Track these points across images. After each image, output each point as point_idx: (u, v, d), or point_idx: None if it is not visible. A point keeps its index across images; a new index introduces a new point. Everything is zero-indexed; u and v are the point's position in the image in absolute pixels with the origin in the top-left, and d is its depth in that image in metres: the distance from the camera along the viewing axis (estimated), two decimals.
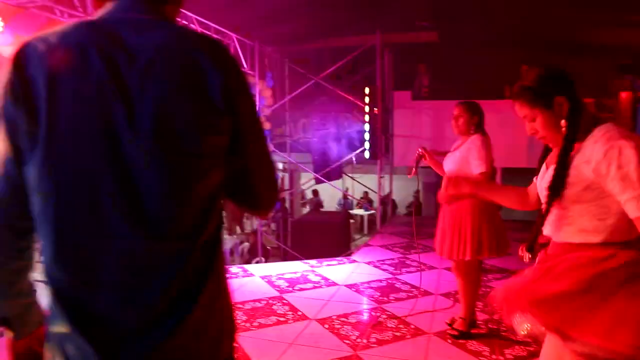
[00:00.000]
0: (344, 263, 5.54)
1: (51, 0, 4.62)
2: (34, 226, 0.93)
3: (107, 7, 0.99)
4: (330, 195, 13.03)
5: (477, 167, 3.06)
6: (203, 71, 0.94)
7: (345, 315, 3.80)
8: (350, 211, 12.30)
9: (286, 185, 12.02)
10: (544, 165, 1.69)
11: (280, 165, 11.15)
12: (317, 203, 12.98)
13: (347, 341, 3.31)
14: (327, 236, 8.17)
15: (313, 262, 5.55)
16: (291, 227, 9.77)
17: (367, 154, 8.42)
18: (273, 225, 11.08)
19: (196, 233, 0.93)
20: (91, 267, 0.89)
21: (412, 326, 3.57)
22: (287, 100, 9.18)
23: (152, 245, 0.90)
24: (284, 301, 4.14)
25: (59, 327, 0.89)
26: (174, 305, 0.91)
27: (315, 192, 12.89)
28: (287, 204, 11.43)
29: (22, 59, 0.91)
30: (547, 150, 1.71)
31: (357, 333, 3.46)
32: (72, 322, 0.87)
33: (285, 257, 8.71)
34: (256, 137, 1.03)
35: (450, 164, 3.27)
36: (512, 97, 1.63)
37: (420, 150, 3.44)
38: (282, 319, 3.74)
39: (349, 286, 4.60)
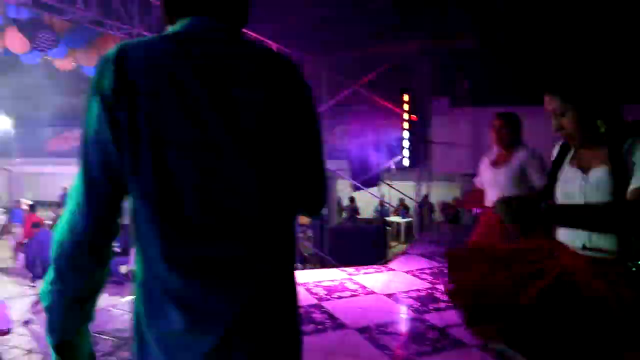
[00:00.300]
0: (381, 271, 5.52)
1: (101, 14, 4.84)
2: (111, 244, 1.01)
3: (185, 23, 1.05)
4: (366, 202, 12.99)
5: (540, 180, 2.84)
6: (286, 83, 1.07)
7: (384, 325, 3.78)
8: (387, 218, 12.23)
9: None
10: (566, 167, 1.60)
11: None
12: (353, 210, 12.96)
13: (387, 351, 3.29)
14: (364, 243, 8.15)
15: (351, 269, 5.55)
16: (328, 234, 9.79)
17: (406, 162, 8.36)
18: (310, 232, 11.13)
19: (280, 232, 1.05)
20: (200, 267, 0.96)
21: (453, 338, 3.52)
22: (325, 107, 9.25)
23: (249, 244, 1.00)
24: (322, 309, 4.16)
25: (169, 326, 0.95)
26: (265, 300, 1.02)
27: (352, 199, 12.88)
28: (324, 211, 11.45)
29: (122, 65, 0.94)
30: (565, 150, 1.60)
31: (396, 343, 3.44)
32: (186, 320, 0.94)
33: (322, 264, 8.74)
34: (318, 144, 1.15)
35: (501, 179, 3.06)
36: (545, 89, 1.57)
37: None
38: (320, 327, 3.76)
39: (388, 295, 4.58)
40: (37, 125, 18.81)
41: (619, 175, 1.41)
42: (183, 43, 1.01)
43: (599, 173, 1.46)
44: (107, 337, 3.50)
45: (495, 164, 3.16)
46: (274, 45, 7.51)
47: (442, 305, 4.26)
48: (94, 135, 0.96)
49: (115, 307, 4.20)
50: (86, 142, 0.97)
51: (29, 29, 4.52)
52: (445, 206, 2.93)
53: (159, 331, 0.96)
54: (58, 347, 1.03)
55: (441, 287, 4.78)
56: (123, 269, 9.69)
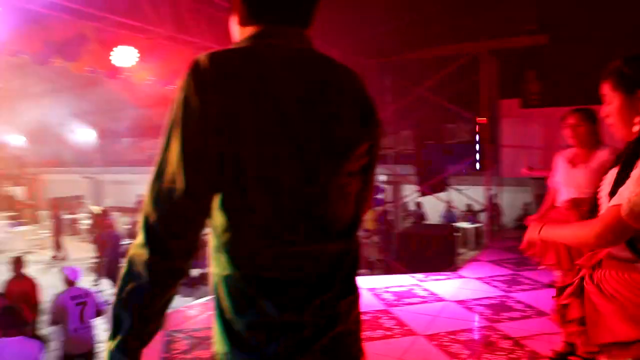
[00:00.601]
0: (451, 278, 5.38)
1: (175, 30, 5.11)
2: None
3: (260, 32, 1.10)
4: (432, 207, 12.72)
5: None
6: (365, 100, 1.15)
7: (455, 333, 3.68)
8: (455, 224, 11.90)
9: (389, 197, 11.95)
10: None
11: (383, 177, 11.14)
12: (419, 215, 12.73)
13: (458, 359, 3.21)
14: (432, 249, 7.97)
15: (420, 276, 5.46)
16: (395, 239, 9.69)
17: (474, 165, 8.13)
18: (375, 238, 11.06)
19: (352, 232, 1.16)
20: (291, 265, 1.05)
21: (528, 348, 3.36)
22: (389, 111, 9.18)
23: (333, 245, 1.11)
24: (391, 315, 4.12)
25: (262, 315, 1.03)
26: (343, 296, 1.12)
27: (418, 205, 12.67)
28: (390, 217, 11.35)
29: (215, 75, 0.97)
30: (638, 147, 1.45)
31: (467, 352, 3.34)
32: (280, 311, 1.03)
33: (388, 270, 8.65)
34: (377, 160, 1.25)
35: (579, 179, 2.89)
36: (602, 75, 1.54)
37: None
38: (388, 332, 3.72)
39: (458, 302, 4.45)
40: (116, 137, 20.12)
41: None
42: (267, 53, 1.05)
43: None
44: (183, 337, 3.65)
45: (572, 163, 2.99)
46: (336, 51, 7.56)
47: (516, 314, 4.08)
48: (187, 147, 0.97)
49: (190, 308, 4.37)
50: (178, 153, 0.98)
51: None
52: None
53: (252, 320, 1.03)
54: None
55: (514, 295, 4.59)
56: (194, 272, 10.11)
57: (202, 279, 10.03)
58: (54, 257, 12.17)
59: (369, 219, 9.28)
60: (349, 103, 1.11)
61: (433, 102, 8.64)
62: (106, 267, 10.04)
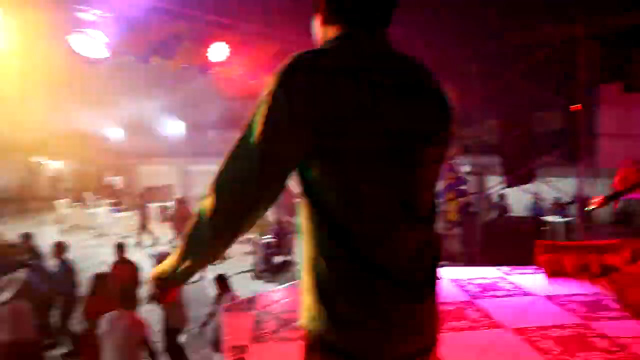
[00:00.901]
0: (539, 272, 5.15)
1: (264, 25, 5.31)
2: None
3: (347, 33, 1.18)
4: (518, 199, 12.15)
5: None
6: (442, 95, 1.27)
7: (545, 328, 3.54)
8: (542, 217, 11.30)
9: (473, 188, 11.58)
10: None
11: (466, 168, 10.81)
12: (503, 208, 12.23)
13: (549, 356, 3.09)
14: (517, 243, 7.64)
15: (505, 268, 5.28)
16: (478, 232, 9.39)
17: (566, 156, 7.65)
18: (458, 230, 10.78)
19: (433, 219, 1.28)
20: (386, 246, 1.16)
21: (630, 351, 3.16)
22: (474, 100, 8.86)
23: (420, 229, 1.23)
24: (476, 307, 4.04)
25: (368, 291, 1.15)
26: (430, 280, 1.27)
27: (501, 196, 12.17)
28: (474, 208, 11.00)
29: (309, 74, 1.05)
30: None
31: (560, 349, 3.20)
32: (385, 285, 1.15)
33: (471, 262, 8.42)
34: None
35: None
36: None
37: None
38: (474, 324, 3.66)
39: (549, 297, 4.26)
40: (204, 129, 21.18)
41: None
42: (358, 54, 1.13)
43: None
44: (271, 318, 3.84)
45: None
46: (418, 40, 7.41)
47: (615, 314, 3.84)
48: (277, 138, 1.08)
49: (276, 292, 4.57)
50: (266, 141, 1.09)
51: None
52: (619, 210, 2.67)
53: (350, 298, 1.13)
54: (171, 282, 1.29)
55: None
56: (278, 259, 10.49)
57: (285, 267, 10.41)
58: (138, 243, 13.11)
59: (451, 211, 9.07)
60: (429, 98, 1.22)
61: (522, 89, 8.22)
62: None
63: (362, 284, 1.12)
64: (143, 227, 13.68)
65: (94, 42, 4.38)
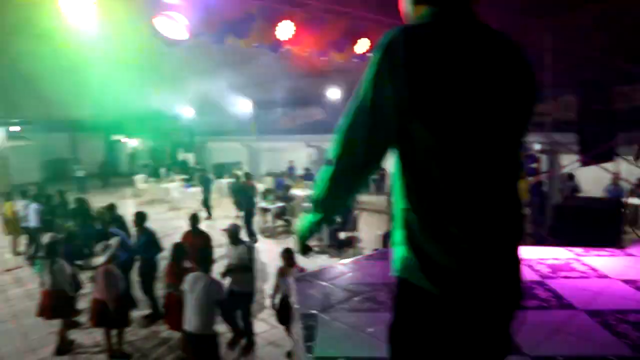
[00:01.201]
0: (617, 255, 4.94)
1: (332, 2, 5.34)
2: None
3: (436, 11, 1.27)
4: (594, 179, 11.48)
5: None
6: (529, 70, 1.34)
7: (623, 312, 3.43)
8: (623, 199, 10.62)
9: (545, 167, 11.09)
10: None
11: (537, 146, 10.36)
12: (572, 188, 11.62)
13: (627, 341, 3.00)
14: (593, 224, 7.28)
15: (578, 250, 5.11)
16: (549, 212, 9.03)
17: None
18: (528, 209, 10.41)
19: (517, 182, 1.40)
20: (477, 203, 1.27)
21: None
22: (549, 75, 8.43)
23: (507, 190, 1.34)
24: (546, 287, 3.97)
25: (453, 239, 1.27)
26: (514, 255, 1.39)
27: (570, 176, 11.55)
28: (545, 187, 10.56)
29: (409, 48, 1.17)
30: None
31: (638, 334, 3.10)
32: (466, 240, 1.26)
33: (541, 242, 8.14)
34: None
35: None
36: None
37: None
38: (544, 304, 3.61)
39: (627, 281, 4.09)
40: (270, 107, 21.61)
41: None
42: (452, 31, 1.21)
43: None
44: (339, 289, 3.98)
45: None
46: (491, 13, 7.12)
47: None
48: (378, 106, 1.21)
49: (342, 265, 4.70)
50: (367, 108, 1.23)
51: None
52: None
53: (441, 244, 1.26)
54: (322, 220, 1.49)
55: None
56: (341, 235, 10.66)
57: (349, 243, 10.57)
58: (208, 218, 13.74)
59: (521, 189, 8.75)
60: (519, 74, 1.28)
61: (603, 63, 7.71)
62: (244, 219, 11.60)
63: (450, 237, 1.24)
64: (207, 201, 14.29)
65: (176, 25, 4.63)
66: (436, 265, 1.26)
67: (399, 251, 1.35)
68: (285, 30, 5.73)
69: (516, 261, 1.39)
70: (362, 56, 6.28)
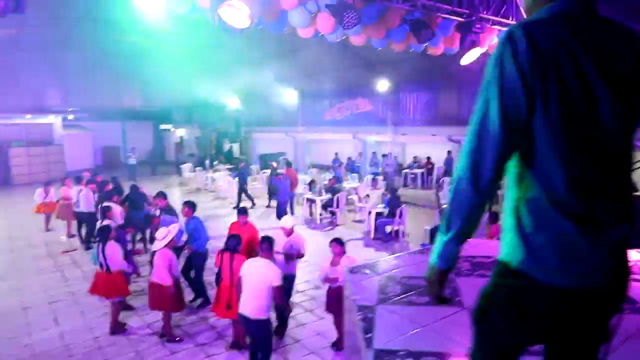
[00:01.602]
0: None
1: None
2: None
3: (558, 7, 1.30)
4: None
5: None
6: None
7: None
8: None
9: None
10: None
11: None
12: None
13: None
14: None
15: None
16: None
17: None
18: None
19: (630, 170, 1.37)
20: (586, 192, 1.27)
21: None
22: None
23: (618, 179, 1.32)
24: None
25: (561, 229, 1.28)
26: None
27: None
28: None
29: (532, 40, 1.21)
30: None
31: None
32: (579, 232, 1.27)
33: None
34: None
35: None
36: None
37: None
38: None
39: None
40: (317, 98, 21.63)
41: None
42: (571, 23, 1.25)
43: None
44: (394, 283, 3.92)
45: None
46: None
47: None
48: (506, 95, 1.24)
49: (396, 259, 4.62)
50: (495, 99, 1.26)
51: (337, 11, 5.23)
52: None
53: (551, 233, 1.27)
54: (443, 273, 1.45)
55: None
56: (388, 228, 10.56)
57: (396, 236, 10.46)
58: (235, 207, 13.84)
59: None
60: (635, 61, 1.28)
61: None
62: (277, 209, 11.83)
63: (558, 225, 1.27)
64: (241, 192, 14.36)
65: (239, 13, 4.64)
66: (545, 254, 1.29)
67: (507, 237, 1.39)
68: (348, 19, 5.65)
69: (625, 255, 1.39)
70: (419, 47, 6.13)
